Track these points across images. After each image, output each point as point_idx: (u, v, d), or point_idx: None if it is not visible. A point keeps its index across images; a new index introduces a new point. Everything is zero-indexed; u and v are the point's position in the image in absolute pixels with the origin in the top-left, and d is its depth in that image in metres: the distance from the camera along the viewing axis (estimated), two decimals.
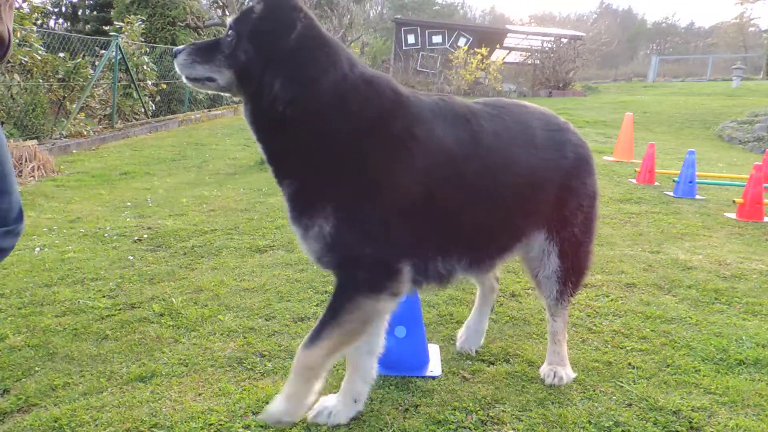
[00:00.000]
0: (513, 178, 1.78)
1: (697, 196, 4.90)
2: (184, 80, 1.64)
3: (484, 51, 18.53)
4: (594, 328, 2.31)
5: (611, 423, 1.68)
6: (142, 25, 11.98)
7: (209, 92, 1.69)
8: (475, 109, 1.78)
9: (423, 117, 1.65)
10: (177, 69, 1.63)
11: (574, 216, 1.95)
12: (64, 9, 20.53)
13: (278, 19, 1.55)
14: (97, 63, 9.61)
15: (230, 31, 1.57)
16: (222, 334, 2.27)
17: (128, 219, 4.22)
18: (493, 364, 2.03)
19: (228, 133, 10.33)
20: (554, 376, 1.93)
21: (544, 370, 1.98)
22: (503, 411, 1.74)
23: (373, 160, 1.58)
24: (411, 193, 1.60)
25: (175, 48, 1.66)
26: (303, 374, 1.60)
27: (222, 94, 1.78)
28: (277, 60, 1.53)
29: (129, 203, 4.78)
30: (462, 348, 2.15)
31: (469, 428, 1.67)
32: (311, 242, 1.60)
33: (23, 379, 1.96)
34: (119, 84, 10.29)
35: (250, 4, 1.61)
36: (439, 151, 1.64)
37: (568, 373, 1.95)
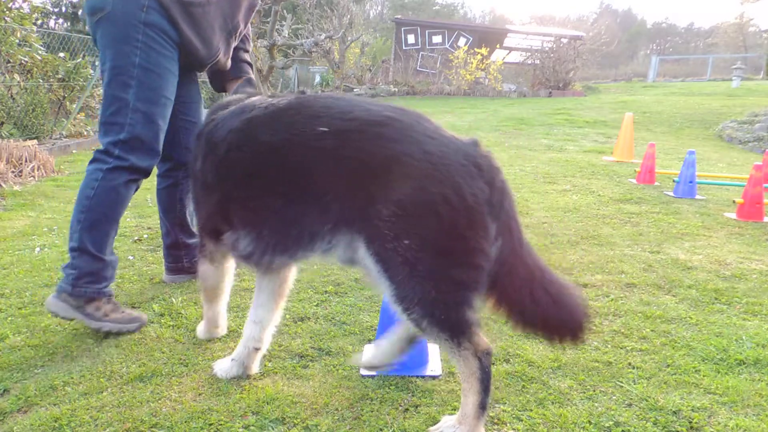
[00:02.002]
0: None
1: (697, 196, 4.90)
2: None
3: (484, 51, 18.53)
4: (594, 328, 2.32)
5: (611, 423, 1.68)
6: None
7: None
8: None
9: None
10: None
11: None
12: (64, 9, 20.52)
13: None
14: (97, 63, 9.60)
15: None
16: (222, 334, 2.27)
17: (128, 219, 4.22)
18: (493, 364, 2.03)
19: None
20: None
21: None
22: (503, 411, 1.74)
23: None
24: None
25: None
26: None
27: None
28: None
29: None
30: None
31: None
32: None
33: (23, 379, 1.96)
34: None
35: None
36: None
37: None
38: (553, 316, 1.59)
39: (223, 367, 1.96)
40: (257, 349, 1.97)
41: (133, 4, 2.13)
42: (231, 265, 2.11)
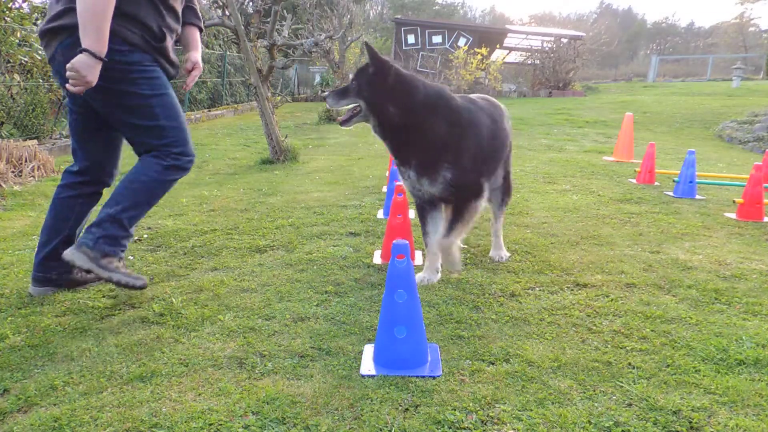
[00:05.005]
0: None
1: (697, 196, 4.90)
2: (337, 107, 2.66)
3: (484, 51, 18.52)
4: (594, 328, 2.32)
5: (611, 423, 1.68)
6: None
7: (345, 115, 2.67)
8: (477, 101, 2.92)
9: (463, 107, 2.72)
10: (329, 105, 2.68)
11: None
12: None
13: (381, 72, 2.53)
14: None
15: (353, 82, 2.61)
16: (222, 334, 2.27)
17: None
18: (493, 364, 2.03)
19: (228, 133, 10.34)
20: (499, 258, 3.18)
21: (493, 254, 3.22)
22: (503, 411, 1.74)
23: (450, 135, 2.63)
24: (481, 146, 2.77)
25: (325, 93, 2.78)
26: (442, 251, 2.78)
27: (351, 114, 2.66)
28: (387, 94, 2.54)
29: None
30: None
31: (469, 428, 1.67)
32: (437, 185, 2.66)
33: (23, 379, 1.96)
34: None
35: (366, 63, 2.59)
36: (479, 123, 2.77)
37: (506, 254, 3.23)
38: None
39: (426, 276, 2.86)
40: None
41: (117, 56, 2.42)
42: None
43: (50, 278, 2.73)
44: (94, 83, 2.30)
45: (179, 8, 2.69)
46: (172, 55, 2.67)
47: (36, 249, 2.77)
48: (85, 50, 2.25)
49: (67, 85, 2.31)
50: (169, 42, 2.63)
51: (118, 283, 2.55)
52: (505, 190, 3.24)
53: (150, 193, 2.63)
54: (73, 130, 2.70)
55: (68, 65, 2.26)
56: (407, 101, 2.54)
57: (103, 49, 2.29)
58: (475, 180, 2.70)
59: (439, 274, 2.87)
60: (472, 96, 2.94)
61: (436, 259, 2.83)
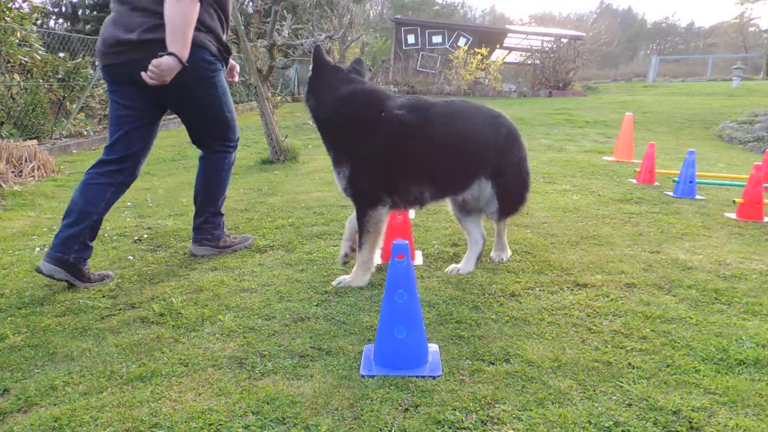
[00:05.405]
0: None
1: (697, 196, 4.90)
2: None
3: (484, 51, 18.52)
4: (594, 328, 2.32)
5: (611, 423, 1.68)
6: None
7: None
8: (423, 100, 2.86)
9: (391, 113, 2.69)
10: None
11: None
12: (64, 9, 20.52)
13: (313, 71, 2.79)
14: (97, 63, 9.61)
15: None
16: (222, 334, 2.27)
17: (128, 219, 4.22)
18: (493, 364, 2.03)
19: None
20: (499, 259, 3.13)
21: (493, 255, 3.17)
22: (503, 411, 1.74)
23: (360, 136, 2.68)
24: (384, 152, 2.69)
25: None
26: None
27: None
28: (312, 90, 2.81)
29: (129, 203, 4.78)
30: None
31: (469, 428, 1.67)
32: (341, 180, 2.74)
33: (23, 379, 1.96)
34: None
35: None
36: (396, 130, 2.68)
37: (507, 254, 3.18)
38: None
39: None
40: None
41: (205, 65, 2.92)
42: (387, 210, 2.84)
43: (66, 260, 2.77)
44: (168, 82, 2.66)
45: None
46: (232, 61, 3.27)
47: (59, 229, 2.80)
48: (173, 54, 2.60)
49: (143, 74, 2.62)
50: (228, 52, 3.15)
51: (234, 250, 3.36)
52: (501, 201, 2.96)
53: (228, 180, 3.30)
54: (119, 124, 2.90)
55: (154, 62, 2.59)
56: (324, 99, 2.76)
57: (186, 55, 2.66)
58: (369, 187, 2.69)
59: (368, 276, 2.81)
60: (459, 106, 2.90)
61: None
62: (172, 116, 12.02)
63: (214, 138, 3.17)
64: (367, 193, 2.70)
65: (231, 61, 3.29)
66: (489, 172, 2.90)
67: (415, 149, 2.70)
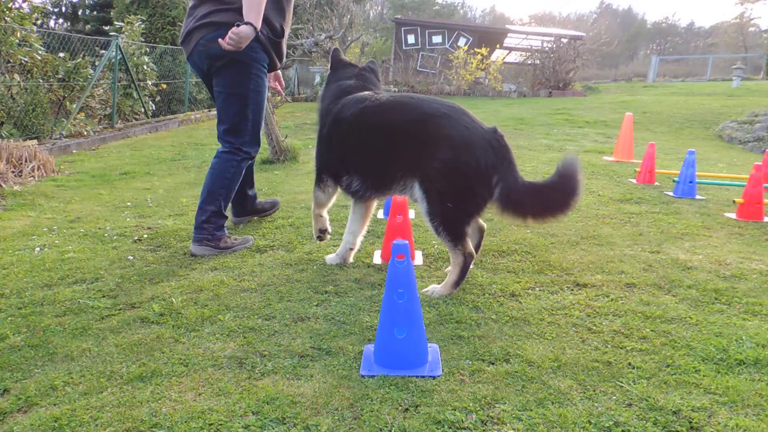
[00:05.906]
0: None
1: (697, 196, 4.90)
2: None
3: (484, 51, 18.52)
4: (594, 328, 2.32)
5: (611, 423, 1.68)
6: (142, 25, 11.96)
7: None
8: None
9: (346, 101, 2.89)
10: None
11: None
12: (64, 9, 20.52)
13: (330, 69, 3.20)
14: (97, 63, 9.60)
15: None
16: (222, 334, 2.27)
17: (128, 219, 4.22)
18: (493, 364, 2.03)
19: None
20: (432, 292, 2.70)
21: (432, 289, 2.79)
22: (503, 411, 1.74)
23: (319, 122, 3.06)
24: (326, 140, 2.97)
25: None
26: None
27: None
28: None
29: (129, 203, 4.78)
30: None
31: (469, 428, 1.67)
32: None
33: (23, 379, 1.96)
34: (119, 84, 10.28)
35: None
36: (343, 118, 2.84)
37: (439, 290, 2.69)
38: (540, 206, 2.76)
39: (330, 257, 3.11)
40: (351, 249, 3.10)
41: (248, 48, 3.08)
42: (334, 192, 3.05)
43: (247, 209, 3.91)
44: (241, 49, 2.99)
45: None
46: (284, 50, 3.43)
47: (233, 198, 3.52)
48: (250, 24, 2.93)
49: (219, 40, 2.96)
50: (284, 39, 3.38)
51: (235, 251, 3.40)
52: (430, 206, 2.60)
53: (234, 183, 3.42)
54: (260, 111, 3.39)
55: (234, 29, 2.92)
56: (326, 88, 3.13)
57: (259, 26, 2.98)
58: (317, 164, 3.03)
59: (339, 259, 3.10)
60: (417, 99, 2.73)
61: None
62: (172, 116, 12.04)
63: (227, 133, 3.33)
64: (317, 169, 3.05)
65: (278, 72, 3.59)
66: (418, 172, 2.63)
67: (345, 140, 2.89)
